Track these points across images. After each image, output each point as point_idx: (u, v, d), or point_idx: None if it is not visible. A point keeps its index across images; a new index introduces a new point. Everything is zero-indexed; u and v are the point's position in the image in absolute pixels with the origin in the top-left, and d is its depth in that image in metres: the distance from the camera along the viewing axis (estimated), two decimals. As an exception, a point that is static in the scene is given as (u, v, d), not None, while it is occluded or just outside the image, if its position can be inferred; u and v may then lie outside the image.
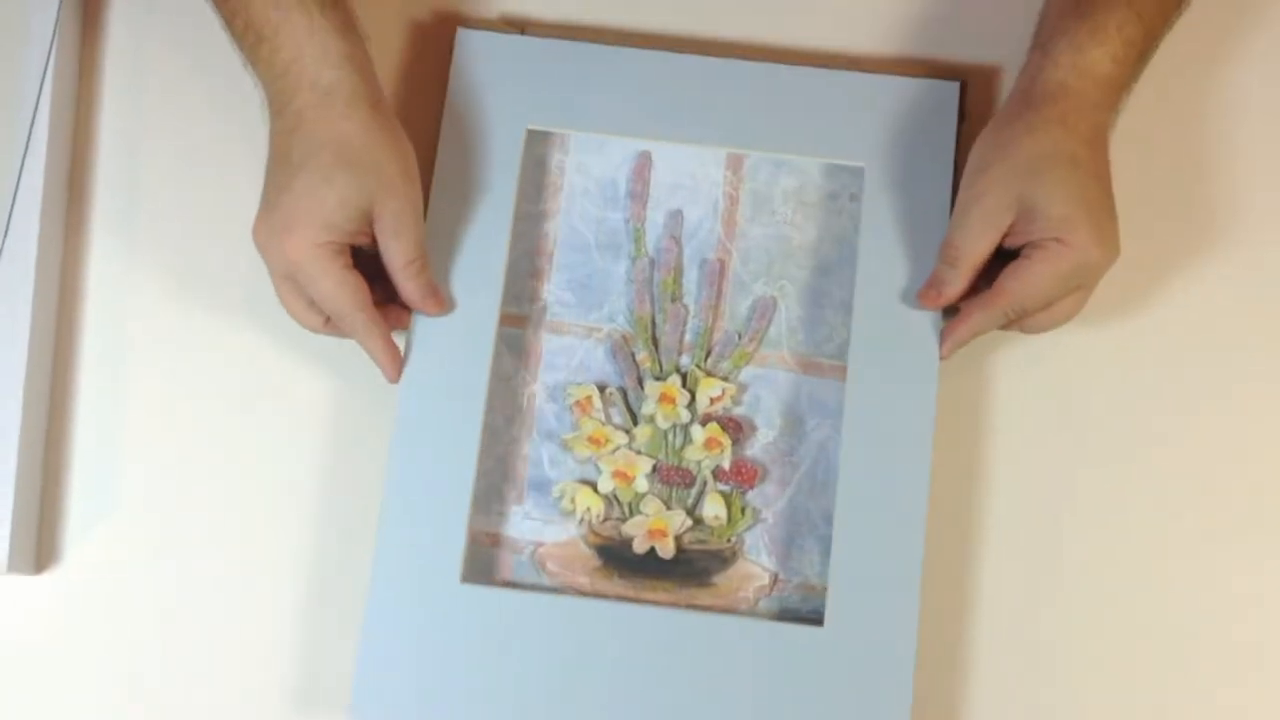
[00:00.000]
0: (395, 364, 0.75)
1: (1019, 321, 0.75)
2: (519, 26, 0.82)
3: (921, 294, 0.76)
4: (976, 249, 0.73)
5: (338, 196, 0.71)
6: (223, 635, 0.76)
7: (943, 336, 0.76)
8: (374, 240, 0.74)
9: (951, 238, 0.74)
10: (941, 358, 0.76)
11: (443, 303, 0.76)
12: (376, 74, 0.74)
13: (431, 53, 0.82)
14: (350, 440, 0.78)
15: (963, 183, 0.75)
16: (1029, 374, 0.79)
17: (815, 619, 0.75)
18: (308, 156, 0.71)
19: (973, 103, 0.81)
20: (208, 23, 0.75)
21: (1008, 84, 0.81)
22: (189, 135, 0.82)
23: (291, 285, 0.73)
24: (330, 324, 0.75)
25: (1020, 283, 0.73)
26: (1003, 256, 0.75)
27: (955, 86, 0.80)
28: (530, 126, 0.80)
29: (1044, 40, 0.75)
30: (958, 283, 0.74)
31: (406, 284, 0.75)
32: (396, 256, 0.74)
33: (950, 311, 0.77)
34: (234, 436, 0.79)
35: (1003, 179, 0.73)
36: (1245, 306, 0.80)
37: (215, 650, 0.76)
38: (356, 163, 0.71)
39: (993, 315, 0.74)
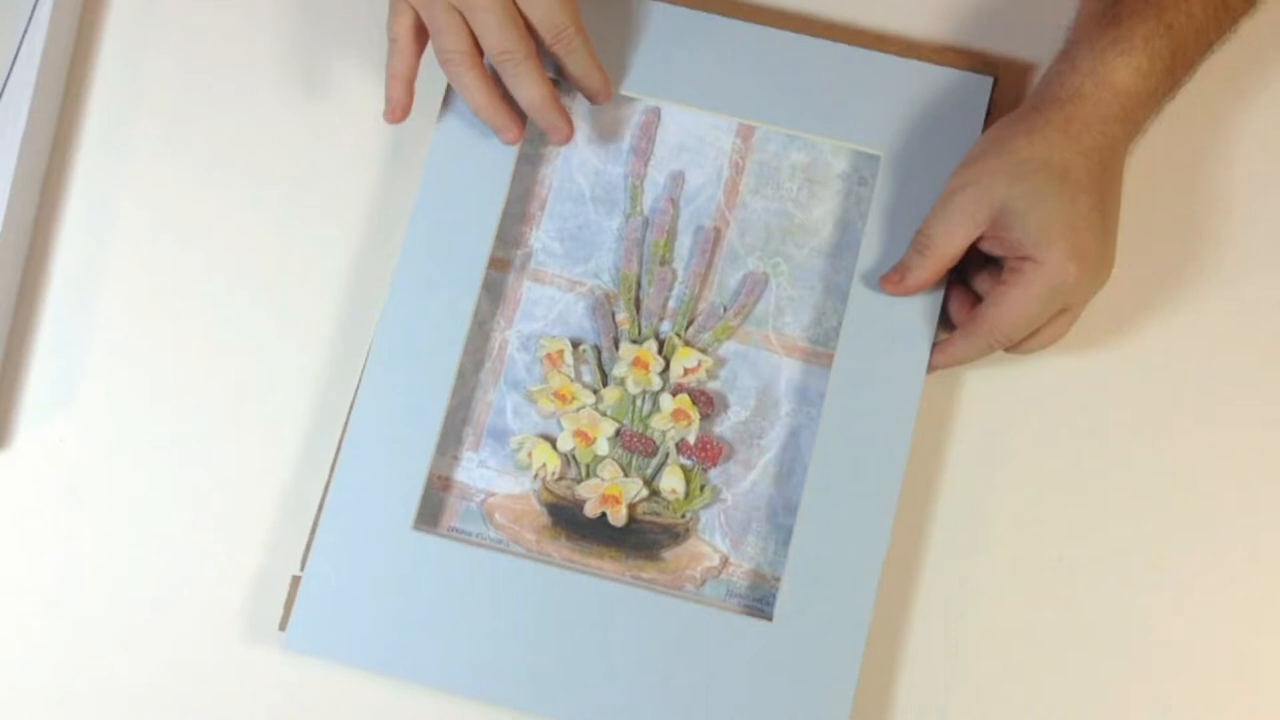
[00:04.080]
0: (607, 81, 0.75)
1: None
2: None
3: (884, 277, 0.73)
4: (949, 242, 0.70)
5: None
6: (168, 547, 0.75)
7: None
8: None
9: (925, 226, 0.71)
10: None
11: None
12: None
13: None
14: (319, 368, 0.76)
15: (954, 171, 0.71)
16: (1006, 386, 0.75)
17: (761, 608, 0.72)
18: None
19: (1003, 99, 0.77)
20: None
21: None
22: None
23: (457, 17, 0.71)
24: (477, 61, 0.72)
25: (1001, 310, 0.69)
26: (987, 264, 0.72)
27: (988, 81, 0.76)
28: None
29: (1069, 46, 0.72)
30: (923, 273, 0.71)
31: None
32: None
33: (947, 325, 0.73)
34: (203, 348, 0.77)
35: (990, 175, 0.69)
36: (1228, 339, 0.76)
37: (158, 561, 0.75)
38: None
39: (976, 344, 0.71)
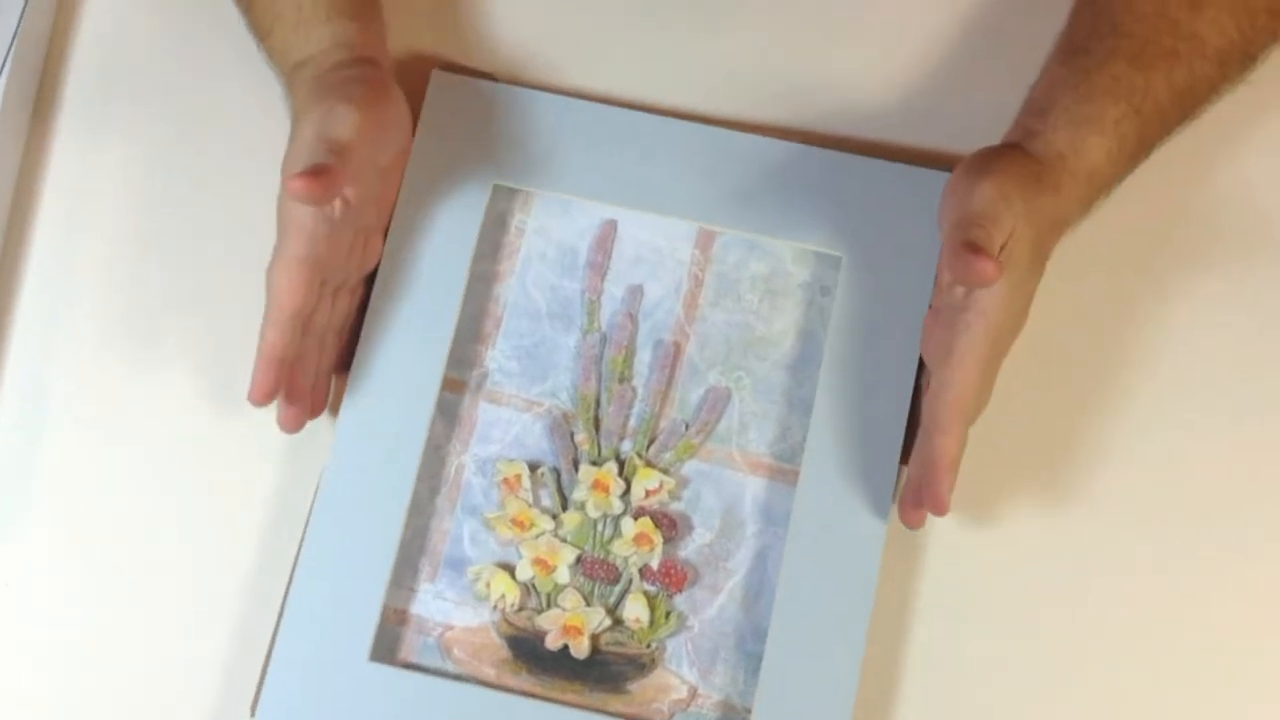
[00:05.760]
0: (260, 386, 0.68)
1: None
2: (492, 77, 0.78)
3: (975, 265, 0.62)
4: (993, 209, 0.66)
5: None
6: (116, 691, 0.72)
7: (931, 492, 0.66)
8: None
9: (966, 205, 0.66)
10: (944, 513, 0.66)
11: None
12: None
13: (404, 94, 0.78)
14: (268, 496, 0.74)
15: (976, 202, 0.65)
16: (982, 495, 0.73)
17: (732, 742, 0.69)
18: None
19: (966, 199, 0.75)
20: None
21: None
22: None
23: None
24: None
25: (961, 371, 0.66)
26: None
27: (947, 178, 0.74)
28: (496, 182, 0.76)
29: (1040, 106, 0.69)
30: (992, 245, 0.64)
31: None
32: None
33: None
34: (148, 478, 0.75)
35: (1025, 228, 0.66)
36: (1205, 492, 0.73)
37: (107, 705, 0.72)
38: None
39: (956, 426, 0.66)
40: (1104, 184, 0.69)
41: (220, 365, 0.76)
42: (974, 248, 0.61)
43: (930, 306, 0.71)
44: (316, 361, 0.72)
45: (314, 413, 0.72)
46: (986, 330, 0.65)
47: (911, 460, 0.68)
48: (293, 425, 0.72)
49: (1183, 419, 0.74)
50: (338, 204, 0.68)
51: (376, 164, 0.70)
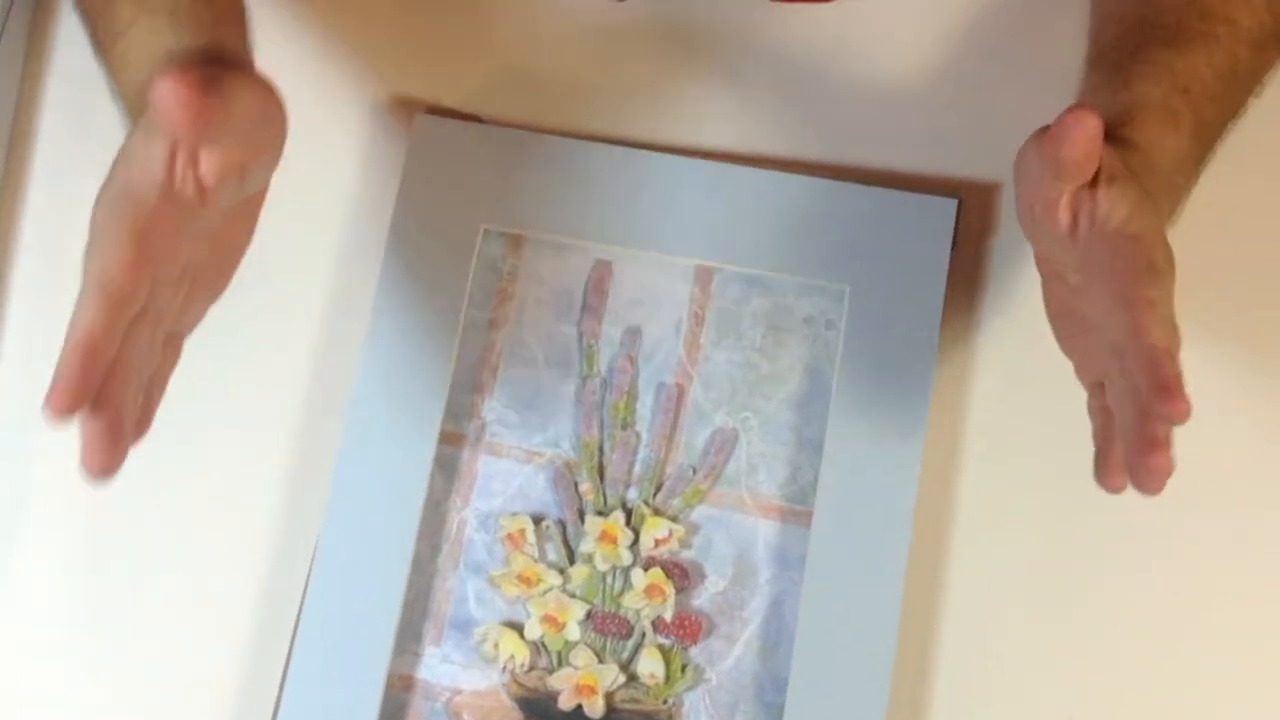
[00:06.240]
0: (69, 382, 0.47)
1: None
2: (477, 118, 0.76)
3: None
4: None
5: None
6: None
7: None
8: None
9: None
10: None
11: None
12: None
13: (388, 138, 0.76)
14: (263, 567, 0.72)
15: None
16: (999, 530, 0.70)
17: (756, 798, 0.67)
18: None
19: (969, 222, 0.73)
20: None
21: (1007, 202, 0.73)
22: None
23: None
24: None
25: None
26: None
27: (952, 204, 0.72)
28: (486, 226, 0.73)
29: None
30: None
31: None
32: None
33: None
34: (141, 546, 0.73)
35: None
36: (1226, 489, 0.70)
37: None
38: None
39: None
40: (1174, 156, 0.61)
41: (215, 425, 0.73)
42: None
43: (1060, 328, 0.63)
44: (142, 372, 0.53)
45: (136, 435, 0.52)
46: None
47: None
48: (108, 454, 0.48)
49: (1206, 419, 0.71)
50: (192, 188, 0.53)
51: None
